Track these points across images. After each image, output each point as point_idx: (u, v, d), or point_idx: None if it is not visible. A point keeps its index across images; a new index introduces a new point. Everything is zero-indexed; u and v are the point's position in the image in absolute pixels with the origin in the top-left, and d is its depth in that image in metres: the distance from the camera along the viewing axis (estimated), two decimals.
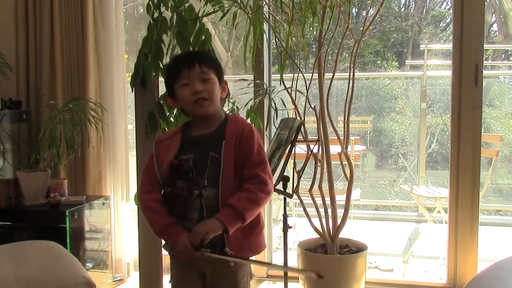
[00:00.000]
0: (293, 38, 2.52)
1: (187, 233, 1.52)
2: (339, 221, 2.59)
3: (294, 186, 2.45)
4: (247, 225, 1.56)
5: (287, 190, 2.25)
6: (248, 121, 1.86)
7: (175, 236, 1.54)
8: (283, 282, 2.38)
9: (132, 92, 2.50)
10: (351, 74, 2.54)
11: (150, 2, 2.40)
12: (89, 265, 2.92)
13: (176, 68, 1.59)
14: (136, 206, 2.62)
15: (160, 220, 1.58)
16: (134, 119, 2.55)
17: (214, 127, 1.61)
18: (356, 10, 7.08)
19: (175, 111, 2.54)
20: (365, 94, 6.24)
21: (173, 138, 1.64)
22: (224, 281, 1.61)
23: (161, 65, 2.45)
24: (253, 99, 2.78)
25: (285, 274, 2.38)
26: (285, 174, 2.26)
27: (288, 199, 2.33)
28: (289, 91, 2.60)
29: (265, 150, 1.67)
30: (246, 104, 2.70)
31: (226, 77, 1.70)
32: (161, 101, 2.48)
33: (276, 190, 2.20)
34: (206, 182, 1.54)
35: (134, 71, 2.45)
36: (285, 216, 2.32)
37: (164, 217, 1.58)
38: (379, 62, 7.91)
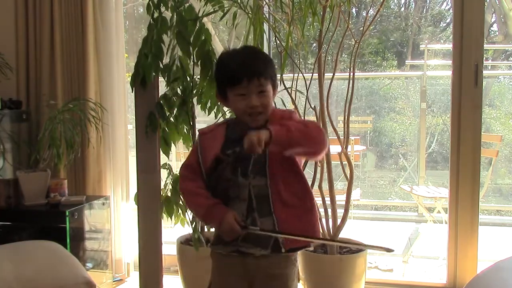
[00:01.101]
0: (293, 38, 2.52)
1: (234, 212, 1.51)
2: (339, 221, 2.59)
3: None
4: (303, 212, 1.55)
5: None
6: (276, 108, 1.80)
7: (221, 215, 1.51)
8: None
9: (132, 92, 2.50)
10: (351, 74, 2.54)
11: (150, 2, 2.40)
12: (89, 265, 2.92)
13: (235, 76, 1.52)
14: (136, 206, 2.62)
15: (204, 202, 1.56)
16: (134, 119, 2.55)
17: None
18: (356, 10, 7.08)
19: (175, 111, 2.54)
20: (365, 94, 6.25)
21: (216, 131, 1.62)
22: (274, 285, 1.58)
23: (161, 65, 2.45)
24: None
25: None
26: None
27: None
28: (289, 91, 2.60)
29: None
30: None
31: None
32: (161, 101, 2.48)
33: None
34: (252, 171, 1.52)
35: (134, 71, 2.45)
36: None
37: (208, 199, 1.56)
38: (379, 62, 7.91)
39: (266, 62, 1.59)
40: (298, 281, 1.66)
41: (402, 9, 8.75)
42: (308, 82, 2.57)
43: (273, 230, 1.52)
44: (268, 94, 1.54)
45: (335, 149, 2.65)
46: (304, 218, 1.57)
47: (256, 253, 1.55)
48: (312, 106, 2.58)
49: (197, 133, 1.75)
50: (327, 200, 2.60)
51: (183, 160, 1.83)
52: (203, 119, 3.26)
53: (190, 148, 2.52)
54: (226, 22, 2.41)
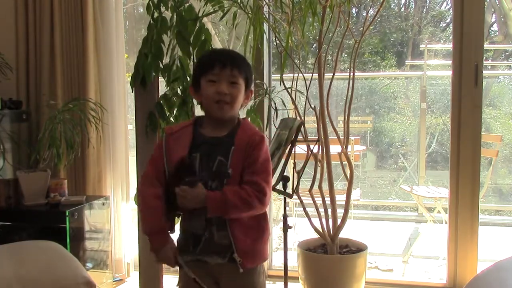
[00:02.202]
0: (293, 38, 2.52)
1: (173, 246, 1.57)
2: (339, 221, 2.59)
3: (294, 186, 2.45)
4: (256, 232, 1.57)
5: (287, 190, 2.25)
6: (248, 121, 1.84)
7: (161, 245, 1.58)
8: (283, 282, 2.37)
9: (132, 92, 2.50)
10: (351, 74, 2.54)
11: (150, 2, 2.40)
12: (89, 265, 2.92)
13: (209, 62, 1.56)
14: (136, 206, 2.62)
15: (152, 222, 1.59)
16: (134, 119, 2.55)
17: (226, 131, 1.59)
18: (356, 10, 7.08)
19: (175, 111, 2.54)
20: (365, 94, 6.24)
21: (183, 132, 1.61)
22: (240, 284, 1.60)
23: (161, 65, 2.45)
24: (253, 99, 2.78)
25: (285, 274, 2.38)
26: (285, 174, 2.25)
27: (288, 199, 2.33)
28: (289, 91, 2.60)
29: None
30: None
31: None
32: (161, 101, 2.48)
33: (276, 190, 2.20)
34: (212, 184, 1.53)
35: (134, 71, 2.44)
36: (285, 216, 2.31)
37: (156, 220, 1.58)
38: (379, 62, 7.91)
39: (243, 60, 1.63)
40: (266, 277, 1.71)
41: (402, 9, 8.75)
42: (308, 82, 2.57)
43: (233, 260, 1.54)
44: (239, 87, 1.56)
45: (335, 149, 2.65)
46: (258, 238, 1.60)
47: (212, 262, 1.56)
48: (312, 106, 2.58)
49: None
50: (327, 200, 2.60)
51: None
52: None
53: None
54: (226, 22, 2.41)
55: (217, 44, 6.45)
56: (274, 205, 4.31)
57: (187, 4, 2.40)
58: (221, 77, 1.54)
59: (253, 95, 1.68)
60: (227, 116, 1.58)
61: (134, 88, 2.47)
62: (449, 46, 3.31)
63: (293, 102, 2.60)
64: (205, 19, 2.45)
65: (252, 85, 1.66)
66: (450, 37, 3.29)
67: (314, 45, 4.25)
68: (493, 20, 7.75)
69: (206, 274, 1.59)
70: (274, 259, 3.31)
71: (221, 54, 1.63)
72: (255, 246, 1.59)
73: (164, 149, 1.60)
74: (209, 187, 1.53)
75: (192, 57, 2.45)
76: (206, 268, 1.58)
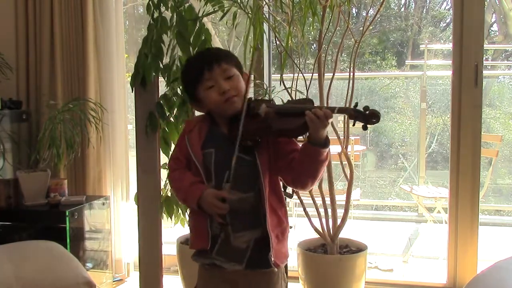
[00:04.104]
0: (293, 38, 2.52)
1: (212, 189, 1.47)
2: (339, 221, 2.59)
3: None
4: (281, 230, 1.53)
5: (287, 190, 2.24)
6: None
7: (201, 189, 1.47)
8: None
9: (132, 92, 2.50)
10: (351, 74, 2.54)
11: (150, 2, 2.40)
12: (89, 265, 2.92)
13: (196, 72, 1.51)
14: (136, 206, 2.62)
15: (188, 179, 1.52)
16: (134, 119, 2.55)
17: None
18: (356, 10, 7.08)
19: (175, 111, 2.54)
20: (364, 94, 6.24)
21: (198, 129, 1.56)
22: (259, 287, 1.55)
23: (161, 65, 2.45)
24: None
25: (285, 274, 2.37)
26: None
27: (288, 199, 2.33)
28: (289, 91, 2.60)
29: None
30: None
31: None
32: (161, 101, 2.48)
33: None
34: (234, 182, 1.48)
35: (134, 71, 2.44)
36: None
37: (192, 177, 1.51)
38: (379, 62, 7.90)
39: (222, 51, 1.60)
40: (286, 283, 1.62)
41: (402, 9, 8.74)
42: (308, 82, 2.57)
43: (268, 261, 1.48)
44: (236, 77, 1.52)
45: (335, 149, 2.65)
46: (283, 234, 1.56)
47: (229, 268, 1.51)
48: None
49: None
50: (327, 200, 2.60)
51: None
52: None
53: None
54: (226, 22, 2.41)
55: (217, 44, 6.45)
56: None
57: (187, 4, 2.40)
58: (215, 77, 1.49)
59: (252, 77, 1.62)
60: (240, 108, 1.50)
61: (134, 88, 2.47)
62: (449, 46, 3.31)
63: None
64: (205, 19, 2.45)
65: (243, 68, 1.62)
66: (450, 37, 3.29)
67: (314, 45, 4.25)
68: (493, 20, 7.75)
69: (225, 281, 1.55)
70: None
71: (201, 58, 1.58)
72: (282, 245, 1.55)
73: (189, 146, 1.54)
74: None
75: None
76: (223, 277, 1.54)
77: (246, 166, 1.46)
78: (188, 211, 1.64)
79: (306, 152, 1.44)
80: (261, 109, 1.46)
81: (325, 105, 2.55)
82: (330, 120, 1.37)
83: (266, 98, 2.67)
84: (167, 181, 2.64)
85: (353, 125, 1.41)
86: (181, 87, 1.67)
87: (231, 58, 1.56)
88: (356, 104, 1.38)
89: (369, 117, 1.35)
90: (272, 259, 1.48)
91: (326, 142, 1.42)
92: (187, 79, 1.57)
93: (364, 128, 1.37)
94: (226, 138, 1.51)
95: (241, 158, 1.46)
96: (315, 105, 1.45)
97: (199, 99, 1.54)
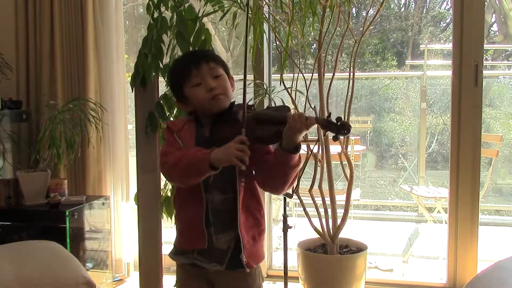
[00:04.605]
0: (293, 38, 2.52)
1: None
2: (339, 221, 2.59)
3: (294, 186, 2.45)
4: (258, 232, 1.55)
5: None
6: None
7: (207, 151, 1.41)
8: (283, 282, 2.38)
9: (132, 92, 2.50)
10: (351, 74, 2.54)
11: (150, 2, 2.40)
12: (89, 265, 2.92)
13: (183, 70, 1.53)
14: (136, 206, 2.62)
15: (187, 153, 1.46)
16: (134, 119, 2.55)
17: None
18: (356, 10, 7.08)
19: (175, 111, 2.54)
20: (364, 94, 6.24)
21: (187, 127, 1.55)
22: (236, 286, 1.56)
23: (161, 65, 2.45)
24: (253, 99, 2.78)
25: (285, 274, 2.38)
26: None
27: (288, 199, 2.33)
28: (289, 91, 2.60)
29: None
30: None
31: None
32: (161, 101, 2.48)
33: None
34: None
35: (134, 71, 2.45)
36: (285, 216, 2.32)
37: (190, 150, 1.47)
38: (379, 62, 7.90)
39: (211, 52, 1.63)
40: (263, 280, 1.63)
41: (402, 9, 8.75)
42: (308, 82, 2.57)
43: (240, 261, 1.49)
44: (223, 77, 1.53)
45: (335, 149, 2.65)
46: (259, 236, 1.57)
47: (211, 269, 1.52)
48: (312, 106, 2.58)
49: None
50: (327, 200, 2.60)
51: None
52: None
53: None
54: (226, 22, 2.41)
55: (217, 44, 6.45)
56: (274, 205, 4.31)
57: (187, 4, 2.40)
58: (203, 75, 1.50)
59: (235, 83, 1.62)
60: (225, 107, 1.52)
61: (134, 88, 2.47)
62: (449, 46, 3.31)
63: (293, 102, 2.60)
64: (205, 19, 2.45)
65: (231, 73, 1.62)
66: (450, 37, 3.29)
67: (314, 45, 4.25)
68: (493, 20, 7.75)
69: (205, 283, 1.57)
70: (274, 259, 3.31)
71: (189, 57, 1.60)
72: (257, 246, 1.56)
73: (182, 143, 1.52)
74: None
75: None
76: (203, 277, 1.56)
77: (225, 168, 1.43)
78: (176, 206, 1.62)
79: (278, 157, 1.45)
80: (240, 115, 1.46)
81: (325, 105, 2.55)
82: (307, 126, 1.38)
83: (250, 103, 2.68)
84: (167, 181, 2.64)
85: (324, 135, 1.44)
86: (169, 85, 1.65)
87: (218, 59, 1.58)
88: (329, 115, 1.41)
89: (340, 128, 1.37)
90: (245, 259, 1.50)
91: (296, 148, 1.43)
92: (174, 77, 1.58)
93: (335, 138, 1.39)
94: (209, 140, 1.50)
95: None
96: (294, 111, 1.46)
97: (185, 97, 1.55)
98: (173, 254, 1.61)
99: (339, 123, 1.37)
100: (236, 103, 1.55)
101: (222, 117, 1.51)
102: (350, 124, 1.41)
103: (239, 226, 1.49)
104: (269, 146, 1.52)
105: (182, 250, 1.58)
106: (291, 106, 2.63)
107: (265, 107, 2.97)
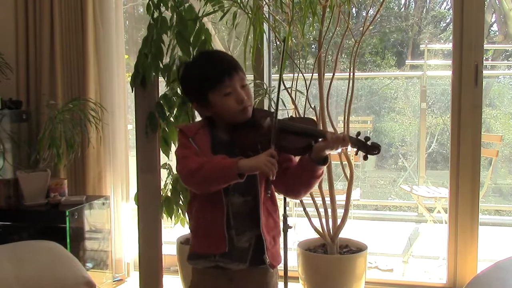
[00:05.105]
0: (293, 38, 2.52)
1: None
2: (339, 221, 2.59)
3: None
4: (277, 232, 1.59)
5: None
6: None
7: (235, 159, 1.40)
8: (283, 282, 2.37)
9: (132, 92, 2.50)
10: (351, 74, 2.54)
11: (150, 2, 2.40)
12: (89, 265, 2.92)
13: (214, 77, 1.48)
14: (136, 206, 2.62)
15: (219, 158, 1.45)
16: (134, 119, 2.55)
17: None
18: (356, 10, 7.08)
19: (175, 111, 2.54)
20: (364, 94, 6.24)
21: (202, 132, 1.54)
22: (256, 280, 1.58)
23: (161, 65, 2.45)
24: (253, 99, 2.78)
25: (285, 274, 2.38)
26: None
27: (288, 199, 2.33)
28: (289, 91, 2.60)
29: None
30: None
31: None
32: (161, 101, 2.49)
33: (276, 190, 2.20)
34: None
35: (134, 71, 2.45)
36: (285, 216, 2.31)
37: (217, 157, 1.46)
38: (379, 62, 7.90)
39: (235, 59, 1.57)
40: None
41: (402, 9, 8.74)
42: (308, 82, 2.57)
43: (263, 262, 1.53)
44: (248, 86, 1.54)
45: None
46: (277, 237, 1.61)
47: (234, 268, 1.53)
48: (312, 106, 2.58)
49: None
50: (327, 200, 2.60)
51: None
52: None
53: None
54: (226, 22, 2.41)
55: (217, 44, 6.45)
56: None
57: (187, 4, 2.41)
58: (235, 86, 1.48)
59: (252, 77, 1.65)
60: (250, 116, 1.52)
61: (134, 88, 2.47)
62: (449, 46, 3.31)
63: (293, 102, 2.61)
64: (205, 19, 2.46)
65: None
66: (450, 37, 3.29)
67: (314, 46, 4.25)
68: (493, 20, 7.75)
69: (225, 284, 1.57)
70: None
71: (221, 63, 1.51)
72: (276, 247, 1.60)
73: (198, 148, 1.50)
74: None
75: (192, 57, 2.45)
76: (224, 277, 1.56)
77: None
78: (192, 211, 1.61)
79: (305, 167, 1.49)
80: (265, 122, 1.49)
81: (325, 105, 2.55)
82: (343, 147, 1.47)
83: (271, 108, 2.68)
84: (167, 182, 2.64)
85: (356, 154, 1.49)
86: (185, 85, 1.61)
87: (241, 66, 1.56)
88: (358, 134, 1.47)
89: (370, 149, 1.46)
90: (268, 260, 1.53)
91: (325, 160, 1.48)
92: (199, 81, 1.52)
93: (365, 158, 1.48)
94: (228, 144, 1.51)
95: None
96: (316, 125, 1.53)
97: (208, 102, 1.51)
98: (194, 259, 1.58)
99: (370, 144, 1.45)
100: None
101: (244, 122, 1.52)
102: (361, 133, 1.48)
103: (261, 227, 1.51)
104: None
105: (203, 254, 1.56)
106: (291, 106, 2.64)
107: (265, 107, 2.98)
